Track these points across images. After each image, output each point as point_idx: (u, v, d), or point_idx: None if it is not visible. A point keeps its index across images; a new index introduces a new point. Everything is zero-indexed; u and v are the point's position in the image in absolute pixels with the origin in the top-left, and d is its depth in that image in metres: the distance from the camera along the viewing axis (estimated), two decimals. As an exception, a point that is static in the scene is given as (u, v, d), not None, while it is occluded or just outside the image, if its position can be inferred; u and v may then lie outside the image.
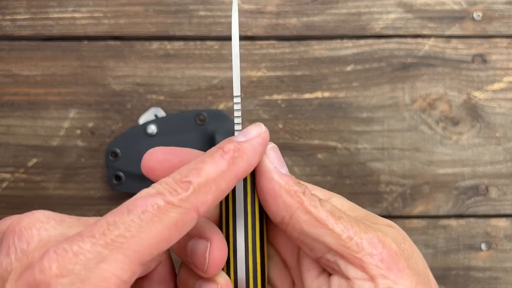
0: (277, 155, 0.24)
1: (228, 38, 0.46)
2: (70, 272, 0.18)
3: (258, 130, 0.23)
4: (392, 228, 0.25)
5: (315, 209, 0.22)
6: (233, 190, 0.24)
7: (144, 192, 0.20)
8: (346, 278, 0.22)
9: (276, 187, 0.23)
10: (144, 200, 0.20)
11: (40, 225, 0.20)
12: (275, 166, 0.23)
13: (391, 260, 0.21)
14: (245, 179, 0.24)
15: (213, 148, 0.22)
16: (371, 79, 0.46)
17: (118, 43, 0.46)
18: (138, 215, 0.19)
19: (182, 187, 0.20)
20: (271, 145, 0.24)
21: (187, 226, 0.20)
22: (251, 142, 0.22)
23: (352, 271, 0.22)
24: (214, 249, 0.22)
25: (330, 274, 0.23)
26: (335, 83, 0.46)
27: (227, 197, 0.24)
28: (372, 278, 0.21)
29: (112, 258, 0.19)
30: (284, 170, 0.23)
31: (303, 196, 0.22)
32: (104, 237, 0.19)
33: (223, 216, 0.24)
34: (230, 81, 0.46)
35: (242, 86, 0.46)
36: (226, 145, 0.22)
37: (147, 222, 0.19)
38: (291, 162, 0.45)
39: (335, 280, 0.22)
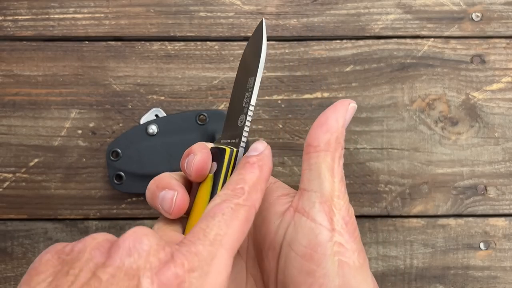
0: (351, 113, 0.29)
1: (228, 39, 0.46)
2: (197, 268, 0.23)
3: (263, 145, 0.29)
4: None
5: (338, 163, 0.28)
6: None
7: (214, 201, 0.26)
8: (314, 221, 0.27)
9: (334, 127, 0.28)
10: (219, 206, 0.25)
11: (149, 234, 0.24)
12: (346, 117, 0.29)
13: (352, 228, 0.27)
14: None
15: (241, 163, 0.28)
16: (370, 80, 0.46)
17: (119, 43, 0.46)
18: (221, 217, 0.25)
19: (240, 192, 0.26)
20: (354, 104, 0.29)
21: (251, 220, 0.26)
22: (265, 153, 0.29)
23: (321, 218, 0.27)
24: (179, 197, 0.29)
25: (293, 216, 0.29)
26: (335, 84, 0.46)
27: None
28: (332, 230, 0.27)
29: (219, 254, 0.24)
30: (346, 125, 0.29)
31: (340, 149, 0.28)
32: (207, 238, 0.24)
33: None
34: (230, 81, 0.46)
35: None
36: (250, 159, 0.28)
37: (229, 221, 0.25)
38: (291, 162, 0.46)
39: (303, 220, 0.28)
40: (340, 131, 0.28)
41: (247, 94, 0.31)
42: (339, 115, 0.29)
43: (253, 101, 0.30)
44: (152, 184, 0.30)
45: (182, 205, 0.29)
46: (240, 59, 0.32)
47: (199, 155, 0.30)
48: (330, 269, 0.26)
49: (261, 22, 0.31)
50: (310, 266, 0.27)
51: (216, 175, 0.30)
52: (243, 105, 0.31)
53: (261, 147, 0.29)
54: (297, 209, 0.28)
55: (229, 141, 0.31)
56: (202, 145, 0.31)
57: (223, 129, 0.32)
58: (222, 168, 0.30)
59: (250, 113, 0.30)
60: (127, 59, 0.46)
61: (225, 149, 0.30)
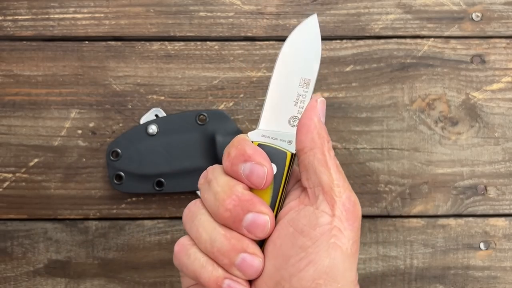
0: (322, 108, 0.31)
1: (228, 39, 0.46)
2: None
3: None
4: None
5: (328, 156, 0.29)
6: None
7: None
8: (316, 208, 0.29)
9: (312, 126, 0.30)
10: None
11: None
12: (319, 113, 0.30)
13: (352, 216, 0.29)
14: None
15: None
16: (370, 80, 0.46)
17: (119, 43, 0.46)
18: None
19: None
20: (321, 98, 0.31)
21: None
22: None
23: (323, 205, 0.29)
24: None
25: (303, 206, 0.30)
26: (335, 83, 0.46)
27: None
28: (333, 216, 0.28)
29: None
30: (323, 119, 0.31)
31: (326, 143, 0.30)
32: None
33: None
34: (230, 81, 0.46)
35: (242, 87, 0.46)
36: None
37: None
38: (291, 162, 0.46)
39: (308, 208, 0.29)
40: (319, 126, 0.30)
41: (300, 94, 0.31)
42: (312, 113, 0.30)
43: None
44: (230, 201, 0.29)
45: (272, 230, 0.30)
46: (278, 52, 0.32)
47: (268, 166, 0.30)
48: (324, 248, 0.28)
49: (314, 18, 0.32)
50: (305, 242, 0.28)
51: (276, 178, 0.30)
52: (295, 105, 0.31)
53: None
54: (304, 203, 0.30)
55: (277, 138, 0.31)
56: (260, 151, 0.30)
57: (263, 117, 0.32)
58: (283, 171, 0.30)
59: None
60: (127, 59, 0.46)
61: (286, 153, 0.30)
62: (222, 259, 0.29)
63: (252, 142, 0.30)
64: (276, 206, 0.31)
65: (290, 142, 0.31)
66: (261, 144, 0.30)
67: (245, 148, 0.30)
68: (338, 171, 0.29)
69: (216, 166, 0.31)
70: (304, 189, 0.30)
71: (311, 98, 0.31)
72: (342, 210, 0.28)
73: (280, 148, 0.30)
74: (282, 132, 0.31)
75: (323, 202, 0.29)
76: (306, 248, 0.28)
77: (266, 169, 0.29)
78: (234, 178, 0.30)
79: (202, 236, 0.30)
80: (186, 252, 0.31)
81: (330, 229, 0.28)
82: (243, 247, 0.29)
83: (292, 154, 0.31)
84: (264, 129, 0.31)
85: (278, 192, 0.30)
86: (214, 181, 0.30)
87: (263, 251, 0.30)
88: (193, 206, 0.31)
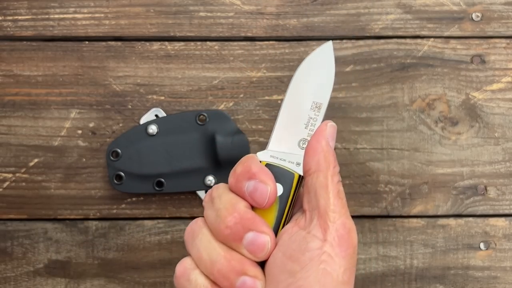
0: (332, 132, 0.30)
1: (228, 39, 0.46)
2: None
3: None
4: None
5: (331, 180, 0.29)
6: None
7: None
8: (308, 233, 0.28)
9: (319, 149, 0.29)
10: None
11: None
12: (327, 137, 0.30)
13: (345, 243, 0.28)
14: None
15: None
16: (370, 80, 0.46)
17: (119, 43, 0.46)
18: None
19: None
20: (332, 123, 0.30)
21: None
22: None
23: (315, 230, 0.28)
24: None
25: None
26: (335, 84, 0.46)
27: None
28: (324, 241, 0.27)
29: None
30: (332, 144, 0.30)
31: (332, 167, 0.29)
32: None
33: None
34: (230, 81, 0.46)
35: (242, 87, 0.46)
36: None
37: None
38: (291, 162, 0.46)
39: (299, 232, 0.29)
40: (326, 150, 0.29)
41: (311, 117, 0.32)
42: (320, 137, 0.30)
43: None
44: (231, 219, 0.28)
45: (272, 251, 0.29)
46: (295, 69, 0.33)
47: (272, 185, 0.29)
48: (313, 274, 0.27)
49: (329, 45, 0.32)
50: (293, 267, 0.27)
51: (282, 199, 0.30)
52: (305, 127, 0.31)
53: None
54: (299, 226, 0.29)
55: (285, 159, 0.31)
56: (266, 170, 0.29)
57: (273, 137, 0.32)
58: (289, 192, 0.30)
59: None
60: (127, 59, 0.46)
61: (293, 174, 0.30)
62: (222, 281, 0.28)
63: (260, 161, 0.30)
64: (280, 227, 0.30)
65: (298, 164, 0.31)
66: (269, 164, 0.30)
67: (251, 166, 0.29)
68: (338, 197, 0.29)
69: (221, 184, 0.31)
70: (303, 212, 0.30)
71: (321, 122, 0.31)
72: (335, 235, 0.28)
73: (288, 169, 0.30)
74: (291, 153, 0.31)
75: (316, 226, 0.28)
76: (294, 273, 0.27)
77: (269, 188, 0.29)
78: (238, 196, 0.29)
79: (202, 256, 0.29)
80: (187, 277, 0.29)
81: (319, 254, 0.27)
82: (243, 270, 0.28)
83: (299, 176, 0.30)
84: (274, 149, 0.31)
85: (283, 214, 0.30)
86: (218, 198, 0.30)
87: None
88: (195, 225, 0.31)
